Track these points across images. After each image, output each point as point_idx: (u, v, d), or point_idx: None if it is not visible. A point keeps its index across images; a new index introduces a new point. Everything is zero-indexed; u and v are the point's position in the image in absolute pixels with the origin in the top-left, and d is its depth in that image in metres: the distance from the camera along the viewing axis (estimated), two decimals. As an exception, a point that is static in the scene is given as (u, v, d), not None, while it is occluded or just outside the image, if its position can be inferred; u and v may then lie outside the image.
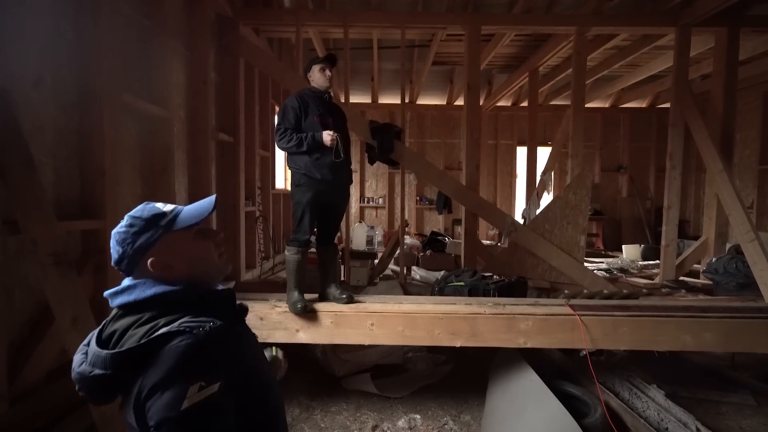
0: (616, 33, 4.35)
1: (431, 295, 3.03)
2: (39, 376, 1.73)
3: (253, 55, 3.75)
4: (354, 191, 7.90)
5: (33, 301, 1.73)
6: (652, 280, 4.13)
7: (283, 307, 2.37)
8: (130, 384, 0.69)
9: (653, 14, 3.97)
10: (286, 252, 2.44)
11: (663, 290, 3.46)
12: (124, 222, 0.81)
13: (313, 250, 2.54)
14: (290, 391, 2.63)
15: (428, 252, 5.16)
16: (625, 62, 5.28)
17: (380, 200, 8.17)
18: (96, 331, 0.79)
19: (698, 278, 4.04)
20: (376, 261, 4.18)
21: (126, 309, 0.77)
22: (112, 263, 0.82)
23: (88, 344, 0.77)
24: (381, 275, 4.09)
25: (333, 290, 2.46)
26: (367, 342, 2.32)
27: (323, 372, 2.88)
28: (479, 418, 2.46)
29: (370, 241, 4.82)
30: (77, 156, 1.98)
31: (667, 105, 7.18)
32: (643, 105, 8.01)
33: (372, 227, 5.34)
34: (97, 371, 0.70)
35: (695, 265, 4.23)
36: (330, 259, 2.52)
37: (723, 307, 2.52)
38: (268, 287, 3.19)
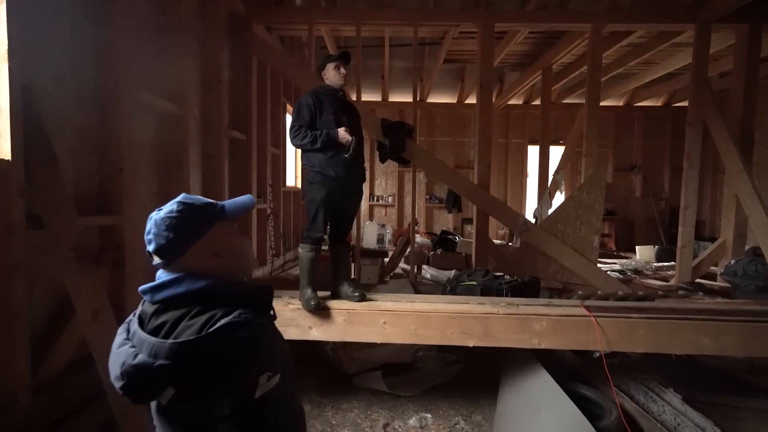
0: (633, 30, 4.27)
1: (443, 294, 3.02)
2: (59, 369, 1.76)
3: (265, 53, 3.77)
4: (364, 189, 7.90)
5: (54, 295, 1.76)
6: (668, 282, 4.06)
7: (296, 304, 2.38)
8: (188, 375, 0.69)
9: (671, 10, 3.89)
10: (299, 249, 2.45)
11: (679, 292, 3.39)
12: (175, 207, 0.79)
13: (325, 247, 2.55)
14: (301, 388, 2.64)
15: (439, 251, 5.13)
16: (641, 60, 5.18)
17: (390, 198, 8.16)
18: (133, 325, 0.77)
19: (714, 280, 3.96)
20: (387, 259, 4.18)
21: (168, 303, 0.76)
22: (153, 250, 0.78)
23: (128, 338, 0.75)
24: (391, 274, 4.09)
25: (345, 288, 2.46)
26: (379, 340, 2.32)
27: (334, 369, 2.89)
28: (491, 418, 2.44)
29: (380, 240, 4.81)
30: (96, 152, 2.01)
31: (683, 103, 7.05)
32: (658, 103, 7.87)
33: (383, 225, 5.34)
34: (162, 361, 0.68)
35: (712, 268, 4.14)
36: (343, 257, 2.52)
37: (743, 311, 2.46)
38: (280, 284, 3.20)
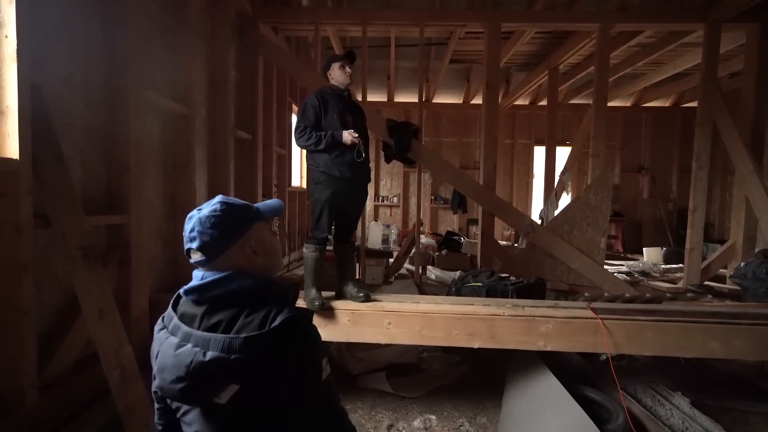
0: (641, 30, 4.22)
1: (448, 295, 3.00)
2: (67, 366, 1.77)
3: (272, 53, 3.78)
4: (369, 190, 7.91)
5: (61, 294, 1.78)
6: (676, 284, 4.01)
7: (301, 304, 2.38)
8: (261, 369, 0.72)
9: (681, 10, 3.84)
10: (304, 249, 2.45)
11: (688, 295, 3.35)
12: (218, 207, 0.82)
13: (330, 247, 2.55)
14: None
15: (444, 252, 5.12)
16: (649, 60, 5.13)
17: (395, 199, 8.15)
18: (178, 327, 0.77)
19: (724, 283, 3.90)
20: (391, 260, 4.17)
21: (218, 301, 0.78)
22: (197, 246, 0.80)
23: (185, 340, 0.75)
24: (396, 274, 4.08)
25: (350, 288, 2.46)
26: (384, 341, 2.31)
27: (338, 370, 2.89)
28: (496, 420, 2.42)
29: (385, 240, 4.81)
30: (103, 152, 2.03)
31: (692, 104, 6.96)
32: (667, 104, 7.78)
33: (387, 226, 5.34)
34: (236, 355, 0.70)
35: (721, 270, 4.09)
36: (347, 257, 2.52)
37: (753, 314, 2.42)
38: (283, 284, 3.21)
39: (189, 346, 0.74)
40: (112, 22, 2.00)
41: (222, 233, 0.80)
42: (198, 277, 0.81)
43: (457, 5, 4.21)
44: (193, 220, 0.82)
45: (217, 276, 0.79)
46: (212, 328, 0.76)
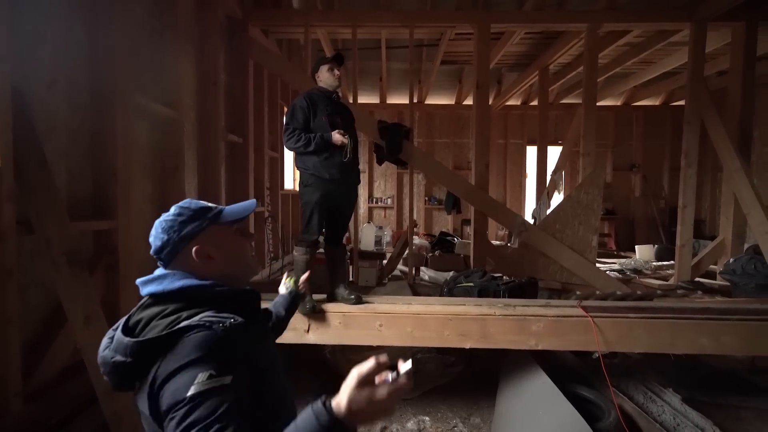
0: (629, 29, 4.27)
1: (440, 295, 3.00)
2: (53, 374, 1.75)
3: (262, 56, 3.78)
4: (362, 191, 7.90)
5: (47, 301, 1.75)
6: (667, 281, 4.04)
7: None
8: (147, 372, 0.71)
9: (668, 9, 3.89)
10: (294, 252, 2.44)
11: (678, 291, 3.37)
12: (172, 211, 0.84)
13: (321, 250, 2.54)
14: (300, 391, 2.63)
15: (437, 252, 5.12)
16: (639, 59, 5.18)
17: (389, 200, 8.16)
18: (125, 318, 0.80)
19: (715, 279, 3.93)
20: (385, 261, 4.17)
21: (155, 298, 0.79)
22: (152, 252, 0.84)
23: (116, 329, 0.78)
24: (390, 276, 4.08)
25: (342, 291, 2.45)
26: (375, 343, 2.30)
27: (332, 372, 2.87)
28: (489, 420, 2.42)
29: (378, 242, 4.81)
30: (90, 156, 2.01)
31: (682, 102, 7.04)
32: (657, 102, 7.86)
33: (381, 227, 5.33)
34: (119, 358, 0.72)
35: (712, 266, 4.12)
36: (339, 260, 2.51)
37: (742, 309, 2.44)
38: (277, 287, 3.19)
39: (107, 337, 0.78)
40: (98, 25, 1.98)
41: (171, 238, 0.81)
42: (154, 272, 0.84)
43: (448, 6, 4.23)
44: (154, 225, 0.85)
45: (156, 273, 0.82)
46: (134, 325, 0.77)
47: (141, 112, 2.35)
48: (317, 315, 2.32)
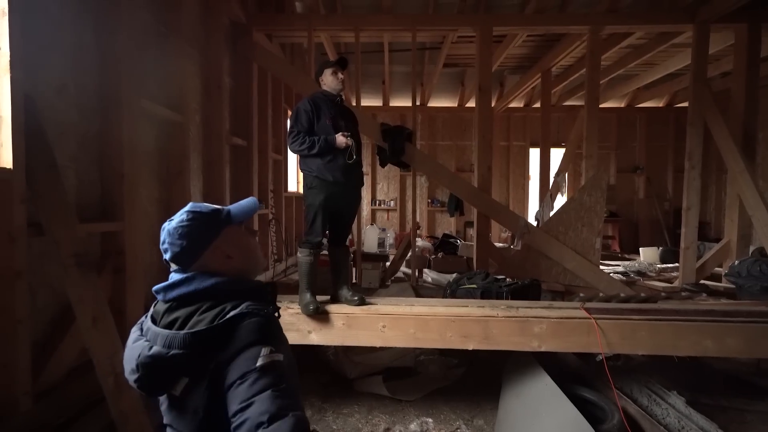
0: (631, 31, 4.27)
1: (443, 297, 3.01)
2: (61, 374, 1.78)
3: (266, 60, 3.82)
4: (365, 194, 7.92)
5: (55, 302, 1.78)
6: (671, 283, 4.02)
7: (296, 308, 2.39)
8: (202, 363, 0.74)
9: (670, 11, 3.89)
10: (298, 254, 2.46)
11: (683, 294, 3.36)
12: (185, 217, 0.85)
13: (325, 252, 2.56)
14: (303, 393, 2.63)
15: (440, 254, 5.13)
16: (641, 61, 5.18)
17: (391, 203, 8.17)
18: (146, 323, 0.83)
19: (720, 282, 3.91)
20: (388, 263, 4.18)
21: (180, 300, 0.82)
22: (170, 258, 0.85)
23: (143, 333, 0.81)
24: (393, 277, 4.09)
25: (345, 292, 2.47)
26: (378, 344, 2.32)
27: (336, 374, 2.89)
28: (492, 422, 2.42)
29: (381, 244, 4.82)
30: (97, 160, 2.05)
31: (685, 104, 7.02)
32: (660, 104, 7.84)
33: (383, 229, 5.35)
34: (175, 351, 0.74)
35: (717, 269, 4.10)
36: (342, 261, 2.53)
37: (747, 312, 2.43)
38: (281, 289, 3.19)
39: (142, 341, 0.79)
40: (105, 31, 2.02)
41: (191, 243, 0.83)
42: (170, 277, 0.86)
43: (450, 9, 4.25)
44: (164, 231, 0.86)
45: (179, 277, 0.83)
46: (170, 325, 0.80)
47: (147, 116, 2.39)
48: (320, 316, 2.33)
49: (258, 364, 0.72)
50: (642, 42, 4.82)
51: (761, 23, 3.73)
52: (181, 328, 0.78)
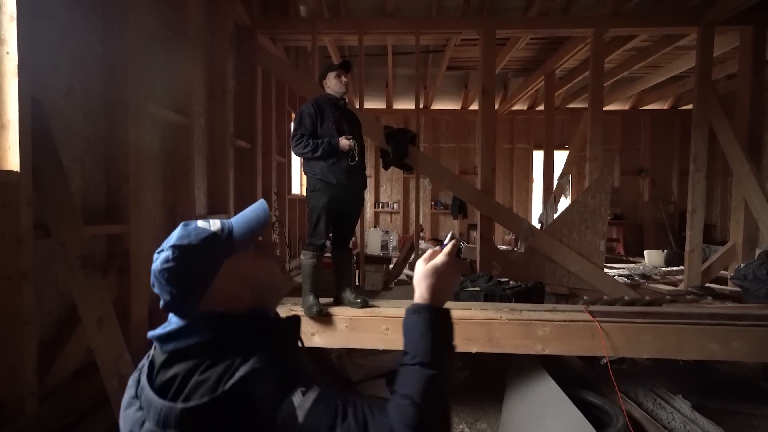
0: (636, 34, 4.26)
1: (446, 300, 3.00)
2: (66, 375, 1.79)
3: (270, 63, 3.84)
4: (369, 196, 7.94)
5: (61, 303, 1.80)
6: (677, 286, 3.99)
7: (299, 310, 2.39)
8: None
9: (674, 13, 3.88)
10: (301, 256, 2.47)
11: (688, 297, 3.33)
12: (169, 255, 0.64)
13: (328, 254, 2.57)
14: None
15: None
16: (646, 63, 5.16)
17: (395, 205, 8.18)
18: (143, 376, 0.66)
19: (726, 285, 3.88)
20: (391, 266, 4.18)
21: (178, 354, 0.65)
22: (161, 306, 0.67)
23: (137, 395, 0.65)
24: (396, 280, 4.09)
25: (348, 294, 2.47)
26: (381, 347, 2.31)
27: (339, 377, 2.89)
28: (496, 426, 2.41)
29: (384, 246, 4.82)
30: (103, 163, 2.07)
31: (691, 106, 6.99)
32: (665, 107, 7.80)
33: (387, 232, 5.35)
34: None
35: (722, 272, 4.07)
36: (345, 264, 2.53)
37: (753, 315, 2.40)
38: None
39: (134, 408, 0.63)
40: (112, 35, 2.05)
41: (181, 290, 0.64)
42: (168, 320, 0.68)
43: (453, 12, 4.26)
44: (152, 272, 0.67)
45: (176, 326, 0.65)
46: (166, 384, 0.62)
47: (152, 119, 2.41)
48: (323, 318, 2.34)
49: (300, 418, 0.55)
50: (646, 44, 4.81)
51: (767, 25, 3.71)
52: (179, 389, 0.60)
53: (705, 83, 3.77)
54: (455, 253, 0.75)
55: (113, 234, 2.07)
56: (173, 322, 0.67)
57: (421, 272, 0.72)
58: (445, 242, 0.77)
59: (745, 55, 3.82)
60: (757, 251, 3.83)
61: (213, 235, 0.67)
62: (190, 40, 2.79)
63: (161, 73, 2.55)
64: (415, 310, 0.69)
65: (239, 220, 0.71)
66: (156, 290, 0.67)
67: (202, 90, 3.14)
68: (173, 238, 0.67)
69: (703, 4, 3.67)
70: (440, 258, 0.73)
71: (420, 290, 0.71)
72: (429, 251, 0.77)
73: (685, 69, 5.33)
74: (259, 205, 0.73)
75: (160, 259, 0.65)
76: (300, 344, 0.74)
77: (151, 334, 0.67)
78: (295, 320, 0.74)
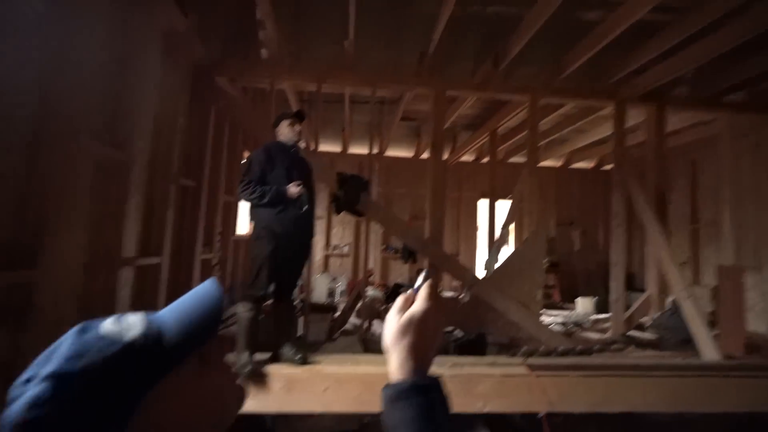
0: (564, 103, 4.84)
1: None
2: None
3: (225, 104, 3.81)
4: (320, 239, 7.82)
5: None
6: (605, 334, 4.28)
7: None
8: None
9: (595, 90, 4.49)
10: (239, 308, 2.33)
11: (612, 347, 3.58)
12: (43, 392, 0.36)
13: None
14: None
15: (390, 305, 5.08)
16: (573, 128, 5.84)
17: (346, 248, 8.11)
18: None
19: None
20: (337, 314, 4.07)
21: None
22: None
23: None
24: (341, 330, 3.96)
25: (287, 350, 2.35)
26: (318, 410, 2.18)
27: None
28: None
29: (331, 293, 4.70)
30: (16, 200, 1.85)
31: (612, 166, 7.91)
32: (591, 165, 8.76)
33: (334, 278, 5.25)
34: None
35: (644, 318, 4.45)
36: (286, 317, 2.43)
37: (667, 365, 2.63)
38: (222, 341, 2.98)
39: None
40: (47, 63, 1.91)
41: None
42: None
43: (409, 68, 4.57)
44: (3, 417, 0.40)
45: None
46: None
47: (85, 154, 2.24)
48: (257, 379, 2.17)
49: None
50: (574, 111, 5.47)
51: (666, 105, 4.43)
52: None
53: (620, 150, 4.34)
54: (435, 294, 0.58)
55: (14, 283, 1.82)
56: None
57: (394, 329, 0.53)
58: (419, 282, 0.60)
59: (651, 128, 4.48)
60: (668, 300, 4.27)
61: (127, 349, 0.39)
62: (141, 75, 2.70)
63: (104, 106, 2.41)
64: (398, 395, 0.47)
65: (174, 314, 0.45)
66: None
67: (148, 126, 3.00)
68: (55, 357, 0.38)
69: (618, 83, 4.30)
70: (418, 305, 0.56)
71: (397, 355, 0.51)
72: (400, 298, 0.59)
73: (607, 134, 6.09)
74: (206, 289, 0.47)
75: (24, 399, 0.36)
76: None
77: None
78: None
